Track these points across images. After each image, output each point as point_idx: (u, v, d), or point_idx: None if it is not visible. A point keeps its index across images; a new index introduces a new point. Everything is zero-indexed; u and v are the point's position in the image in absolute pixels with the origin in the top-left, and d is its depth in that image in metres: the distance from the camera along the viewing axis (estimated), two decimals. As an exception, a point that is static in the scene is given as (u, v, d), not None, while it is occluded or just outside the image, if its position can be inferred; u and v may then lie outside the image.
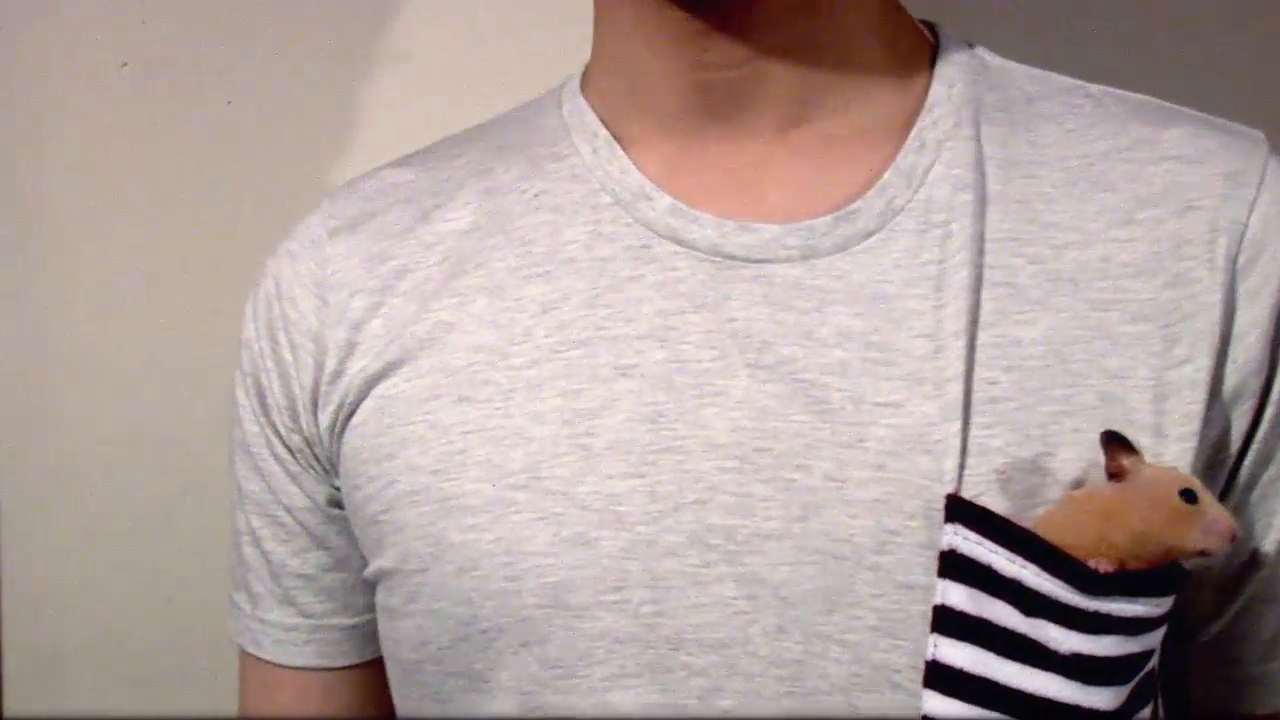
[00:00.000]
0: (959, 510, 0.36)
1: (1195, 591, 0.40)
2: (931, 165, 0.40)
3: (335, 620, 0.46)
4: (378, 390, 0.41)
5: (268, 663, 0.47)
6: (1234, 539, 0.35)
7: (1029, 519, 0.36)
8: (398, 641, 0.41)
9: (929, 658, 0.35)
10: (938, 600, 0.35)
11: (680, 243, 0.39)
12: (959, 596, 0.35)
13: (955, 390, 0.37)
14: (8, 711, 0.70)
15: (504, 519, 0.38)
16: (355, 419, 0.41)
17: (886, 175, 0.39)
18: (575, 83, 0.44)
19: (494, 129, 0.45)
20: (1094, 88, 0.42)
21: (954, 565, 0.35)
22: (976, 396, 0.37)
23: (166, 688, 0.70)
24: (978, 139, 0.40)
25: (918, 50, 0.42)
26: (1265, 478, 0.39)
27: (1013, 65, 0.43)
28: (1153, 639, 0.37)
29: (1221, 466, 0.39)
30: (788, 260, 0.39)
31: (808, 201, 0.39)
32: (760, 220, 0.39)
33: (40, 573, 0.70)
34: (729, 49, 0.39)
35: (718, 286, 0.39)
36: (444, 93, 0.67)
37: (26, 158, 0.68)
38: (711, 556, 0.37)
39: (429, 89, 0.67)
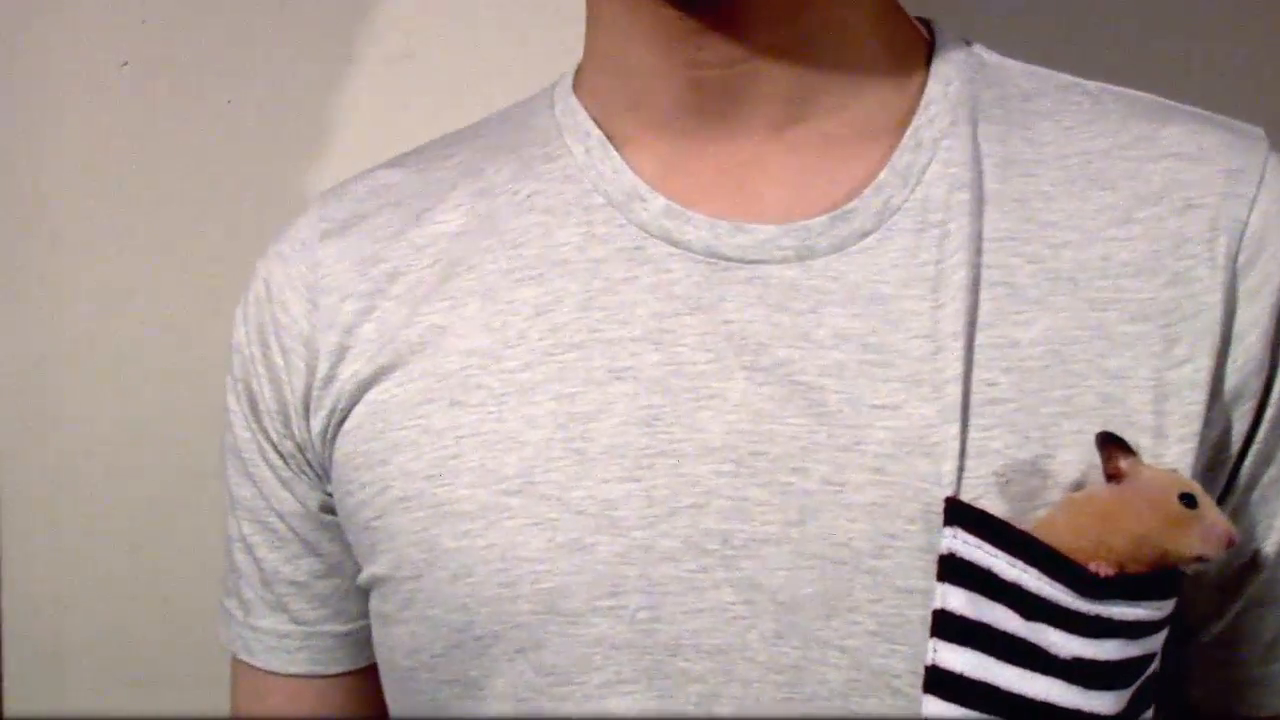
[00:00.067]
0: (958, 513, 0.35)
1: (1195, 592, 0.40)
2: (928, 164, 0.39)
3: (328, 627, 0.46)
4: (370, 395, 0.40)
5: (259, 670, 0.46)
6: (1231, 545, 0.35)
7: (1029, 522, 0.36)
8: (392, 648, 0.41)
9: (928, 662, 0.35)
10: (937, 604, 0.35)
11: (674, 244, 0.39)
12: (958, 600, 0.35)
13: (954, 392, 0.36)
14: (8, 711, 0.70)
15: (498, 524, 0.38)
16: (347, 424, 0.41)
17: (883, 174, 0.39)
18: (568, 82, 0.44)
19: (486, 129, 0.45)
20: (1092, 85, 0.42)
21: (953, 569, 0.35)
22: (975, 398, 0.36)
23: (166, 688, 0.70)
24: (975, 137, 0.39)
25: (914, 48, 0.42)
26: (1265, 479, 0.39)
27: (1010, 62, 0.42)
28: (1154, 642, 0.36)
29: (1221, 467, 0.39)
30: (783, 261, 0.38)
31: (803, 201, 0.39)
32: (755, 220, 0.39)
33: (40, 573, 0.70)
34: (723, 47, 0.38)
35: (713, 288, 0.38)
36: (444, 93, 0.67)
37: (26, 158, 0.68)
38: (708, 561, 0.36)
39: (429, 89, 0.67)
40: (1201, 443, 0.37)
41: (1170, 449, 0.37)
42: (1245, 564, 0.40)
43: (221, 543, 0.48)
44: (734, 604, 0.36)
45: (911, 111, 0.40)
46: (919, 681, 0.35)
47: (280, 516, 0.44)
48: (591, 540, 0.37)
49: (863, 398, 0.37)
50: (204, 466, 0.66)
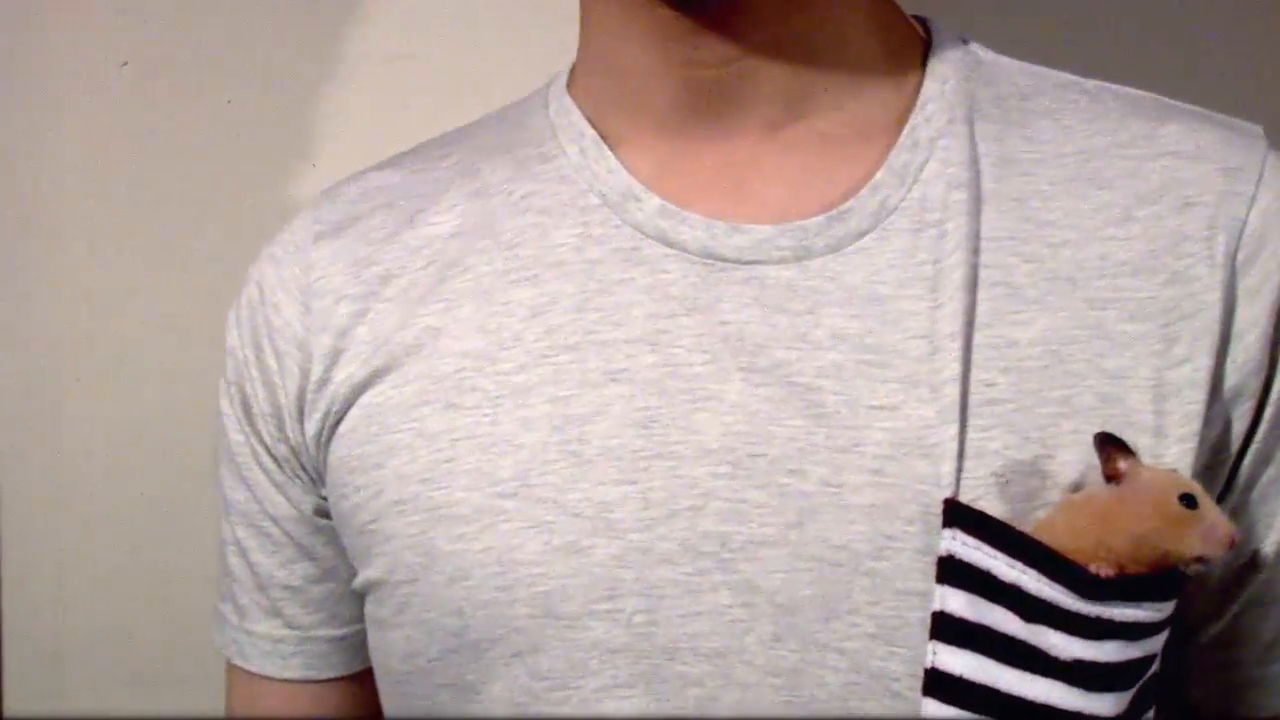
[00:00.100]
0: (957, 515, 0.35)
1: (1194, 593, 0.40)
2: (925, 163, 0.39)
3: (323, 632, 0.46)
4: (364, 398, 0.40)
5: (254, 674, 0.46)
6: (1232, 545, 0.34)
7: (1028, 523, 0.35)
8: (387, 653, 0.41)
9: (928, 665, 0.35)
10: (936, 606, 0.35)
11: (670, 244, 0.39)
12: (958, 602, 0.35)
13: (952, 392, 0.36)
14: (8, 711, 0.70)
15: (494, 528, 0.38)
16: (342, 427, 0.41)
17: (879, 174, 0.39)
18: (562, 81, 0.43)
19: (480, 130, 0.45)
20: (1090, 83, 0.42)
21: (952, 571, 0.35)
22: (973, 398, 0.36)
23: (166, 688, 0.70)
24: (972, 136, 0.39)
25: (910, 46, 0.42)
26: (1265, 478, 0.39)
27: (1007, 61, 0.42)
28: (1154, 644, 0.36)
29: (1220, 467, 0.39)
30: (780, 261, 0.38)
31: (800, 201, 0.39)
32: (751, 221, 0.39)
33: (40, 572, 0.70)
34: (718, 46, 0.38)
35: (709, 289, 0.38)
36: (444, 93, 0.67)
37: (26, 158, 0.68)
38: (705, 564, 0.36)
39: (429, 89, 0.67)
40: (1201, 442, 0.37)
41: (1170, 449, 0.36)
42: (1244, 565, 0.40)
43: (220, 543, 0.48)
44: (732, 607, 0.36)
45: (908, 110, 0.40)
46: (918, 684, 0.35)
47: (274, 521, 0.44)
48: (588, 543, 0.37)
49: (861, 399, 0.36)
50: (204, 466, 0.66)
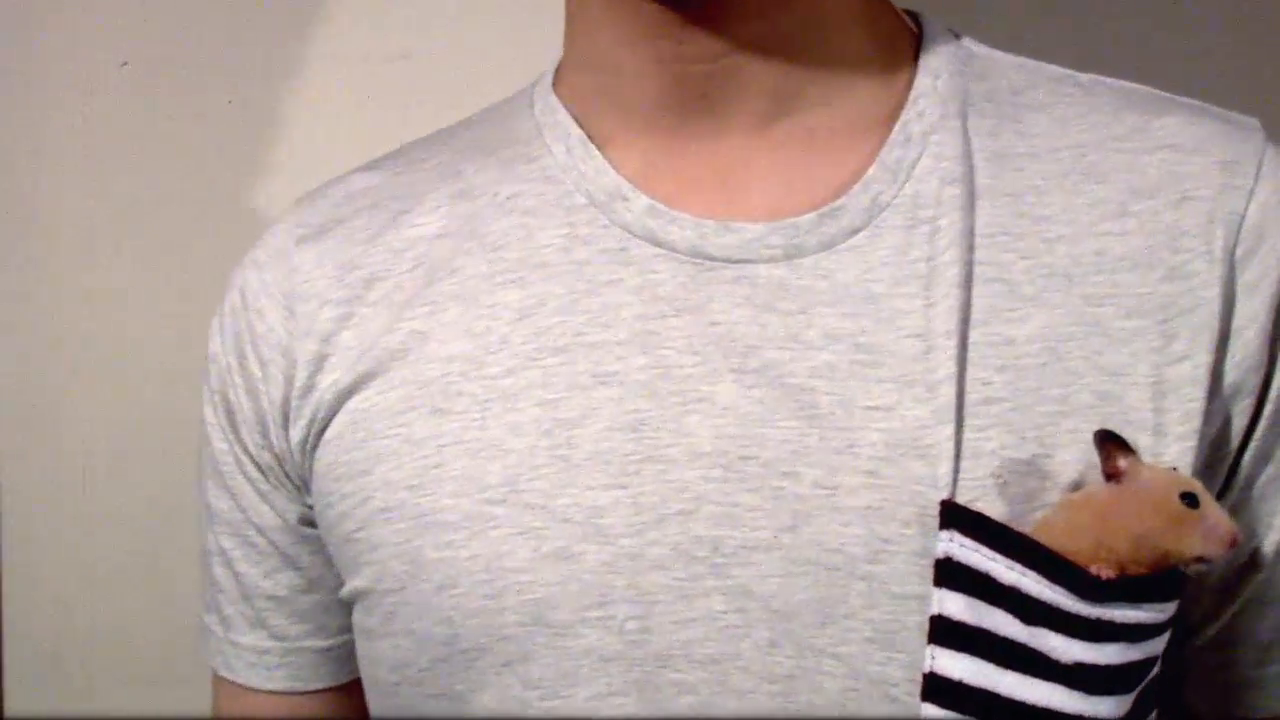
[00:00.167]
0: (954, 516, 0.34)
1: (1193, 593, 0.39)
2: (918, 159, 0.38)
3: (309, 643, 0.45)
4: (350, 404, 0.40)
5: (240, 686, 0.46)
6: (1234, 545, 0.34)
7: (1027, 523, 0.35)
8: (375, 663, 0.40)
9: (927, 670, 0.34)
10: (934, 610, 0.34)
11: (659, 244, 0.38)
12: (956, 606, 0.34)
13: (948, 392, 0.35)
14: (8, 711, 0.71)
15: (482, 534, 0.37)
16: (327, 434, 0.40)
17: (871, 170, 0.38)
18: (547, 80, 0.43)
19: (464, 130, 0.44)
20: (1084, 76, 0.41)
21: (950, 573, 0.34)
22: (970, 398, 0.36)
23: (166, 688, 0.70)
24: (965, 131, 0.39)
25: (901, 40, 0.41)
26: (1264, 477, 0.38)
27: (999, 55, 0.42)
28: (1156, 645, 0.36)
29: (1219, 465, 0.38)
30: (771, 260, 0.37)
31: (790, 198, 0.38)
32: (741, 219, 0.38)
33: (40, 572, 0.71)
34: (706, 41, 0.38)
35: (699, 289, 0.37)
36: (444, 93, 0.67)
37: (26, 158, 0.68)
38: (698, 569, 0.36)
39: (429, 89, 0.67)
40: (1201, 440, 0.36)
41: (1170, 447, 0.36)
42: (1243, 565, 0.39)
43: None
44: (726, 613, 0.36)
45: (900, 105, 0.39)
46: (917, 689, 0.34)
47: (259, 530, 0.44)
48: (578, 549, 0.36)
49: (855, 399, 0.36)
50: (204, 466, 0.66)
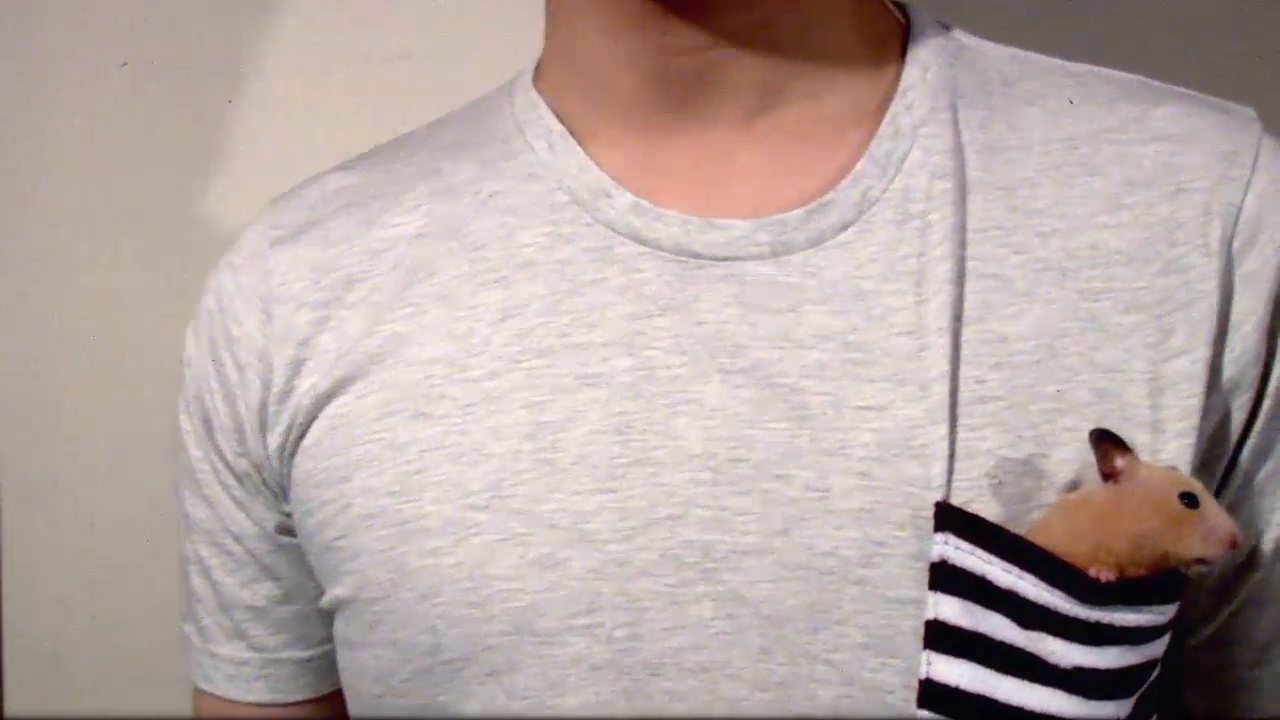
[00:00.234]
0: (949, 518, 0.34)
1: (1190, 594, 0.38)
2: (908, 152, 0.38)
3: (288, 654, 0.44)
4: (329, 409, 0.39)
5: (220, 698, 0.45)
6: (1235, 546, 0.33)
7: (1023, 525, 0.34)
8: (357, 674, 0.40)
9: (922, 676, 0.34)
10: (930, 615, 0.34)
11: (644, 242, 0.37)
12: (952, 610, 0.33)
13: (941, 390, 0.35)
14: (8, 711, 0.71)
15: (466, 541, 0.36)
16: (306, 440, 0.39)
17: (860, 164, 0.37)
18: (528, 76, 0.42)
19: (444, 128, 0.44)
20: (1076, 67, 0.40)
21: (946, 577, 0.34)
22: (963, 396, 0.35)
23: (166, 688, 0.70)
24: (955, 123, 0.38)
25: (889, 32, 0.40)
26: (1262, 473, 0.38)
27: (990, 46, 0.41)
28: (1156, 648, 0.35)
29: (1217, 461, 0.37)
30: (758, 257, 0.37)
31: (777, 194, 0.37)
32: (728, 215, 0.37)
33: (40, 572, 0.71)
34: (689, 34, 0.37)
35: (685, 288, 0.37)
36: (443, 93, 0.66)
37: (26, 158, 0.68)
38: (688, 575, 0.35)
39: (429, 89, 0.67)
40: (1199, 437, 0.36)
41: (1168, 444, 0.35)
42: (1240, 564, 0.39)
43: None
44: (716, 619, 0.35)
45: (889, 98, 0.39)
46: (913, 696, 0.34)
47: (236, 539, 0.43)
48: (564, 555, 0.35)
49: (846, 399, 0.35)
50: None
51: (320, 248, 0.41)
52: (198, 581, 0.45)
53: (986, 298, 0.36)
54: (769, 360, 0.36)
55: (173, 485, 0.59)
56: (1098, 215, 0.37)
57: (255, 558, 0.43)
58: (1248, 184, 0.37)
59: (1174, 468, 0.35)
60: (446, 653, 0.37)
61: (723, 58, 0.37)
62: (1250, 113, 0.39)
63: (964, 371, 0.35)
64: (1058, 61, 0.41)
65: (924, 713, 0.33)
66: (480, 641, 0.36)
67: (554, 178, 0.39)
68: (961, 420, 0.35)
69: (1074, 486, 0.35)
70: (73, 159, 0.68)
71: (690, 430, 0.36)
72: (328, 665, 0.43)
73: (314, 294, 0.40)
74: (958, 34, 0.41)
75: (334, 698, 0.44)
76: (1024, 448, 0.35)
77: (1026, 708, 0.33)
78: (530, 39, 0.64)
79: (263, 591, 0.43)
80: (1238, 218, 0.36)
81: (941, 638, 0.33)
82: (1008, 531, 0.34)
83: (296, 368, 0.40)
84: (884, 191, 0.37)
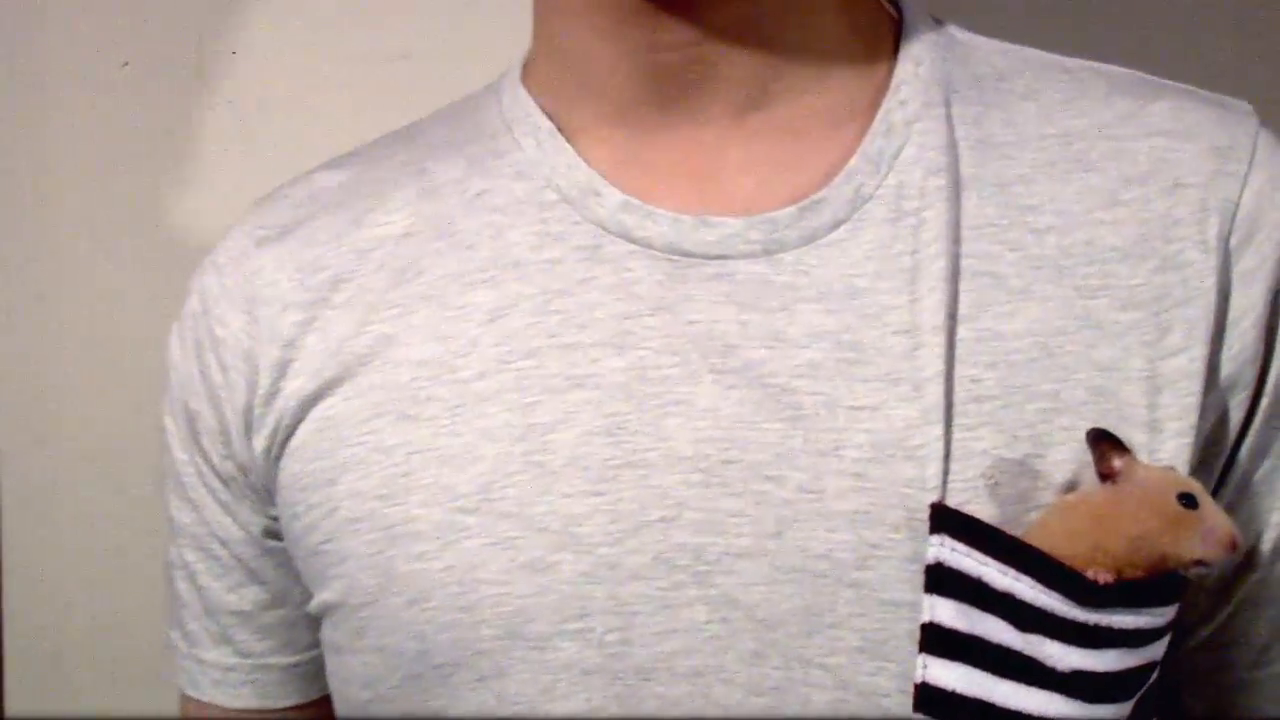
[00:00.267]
0: (945, 520, 0.33)
1: (1188, 595, 0.38)
2: (901, 149, 0.37)
3: (275, 659, 0.44)
4: (315, 411, 0.38)
5: (207, 704, 0.44)
6: (1234, 547, 0.33)
7: (1020, 526, 0.34)
8: (346, 680, 0.39)
9: (918, 680, 0.33)
10: (925, 618, 0.33)
11: (634, 241, 0.37)
12: (948, 613, 0.33)
13: (936, 390, 0.34)
14: (8, 711, 0.71)
15: (455, 545, 0.36)
16: (292, 443, 0.39)
17: (853, 161, 0.37)
18: (516, 72, 0.41)
19: (430, 126, 0.43)
20: (1071, 61, 0.40)
21: (941, 579, 0.33)
22: (959, 396, 0.34)
23: (166, 688, 0.70)
24: (949, 119, 0.37)
25: (881, 27, 0.40)
26: (1260, 473, 0.37)
27: (983, 40, 0.40)
28: (1156, 650, 0.34)
29: (1214, 460, 0.37)
30: (750, 256, 0.36)
31: (769, 191, 0.37)
32: (719, 213, 0.37)
33: (40, 572, 0.71)
34: (679, 29, 0.36)
35: (676, 287, 0.36)
36: (443, 93, 0.66)
37: (26, 158, 0.68)
38: (680, 578, 0.34)
39: (428, 89, 0.66)
40: (1197, 436, 0.35)
41: (1166, 444, 0.35)
42: (1238, 564, 0.38)
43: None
44: (709, 623, 0.34)
45: (881, 94, 0.38)
46: (909, 700, 0.33)
47: (222, 543, 0.42)
48: (555, 559, 0.35)
49: (840, 399, 0.35)
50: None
51: (306, 248, 0.40)
52: (183, 586, 0.44)
53: (981, 295, 0.35)
54: (761, 360, 0.35)
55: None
56: (1094, 211, 0.36)
57: (241, 562, 0.43)
58: (1245, 179, 0.36)
59: (1172, 468, 0.34)
60: (436, 658, 0.36)
61: (713, 53, 0.37)
62: (1247, 107, 0.38)
63: (959, 371, 0.35)
64: (1052, 56, 0.40)
65: (920, 717, 0.33)
66: (470, 646, 0.36)
67: (542, 176, 0.39)
68: (957, 420, 0.34)
69: (1071, 487, 0.34)
70: (73, 159, 0.68)
71: (682, 431, 0.35)
72: (315, 670, 0.43)
73: (300, 295, 0.39)
74: (951, 29, 0.40)
75: (322, 703, 0.43)
76: (1020, 448, 0.34)
77: (1024, 711, 0.33)
78: (530, 40, 0.64)
79: (249, 596, 0.43)
80: (1235, 213, 0.36)
81: (937, 641, 0.33)
82: (1004, 533, 0.33)
83: (282, 369, 0.39)
84: (877, 188, 0.37)
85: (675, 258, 0.37)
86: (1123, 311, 0.35)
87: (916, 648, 0.33)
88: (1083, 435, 0.34)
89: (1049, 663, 0.33)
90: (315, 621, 0.40)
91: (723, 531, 0.35)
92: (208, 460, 0.42)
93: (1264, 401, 0.37)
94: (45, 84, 0.68)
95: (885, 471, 0.34)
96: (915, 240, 0.36)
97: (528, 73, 0.41)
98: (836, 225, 0.36)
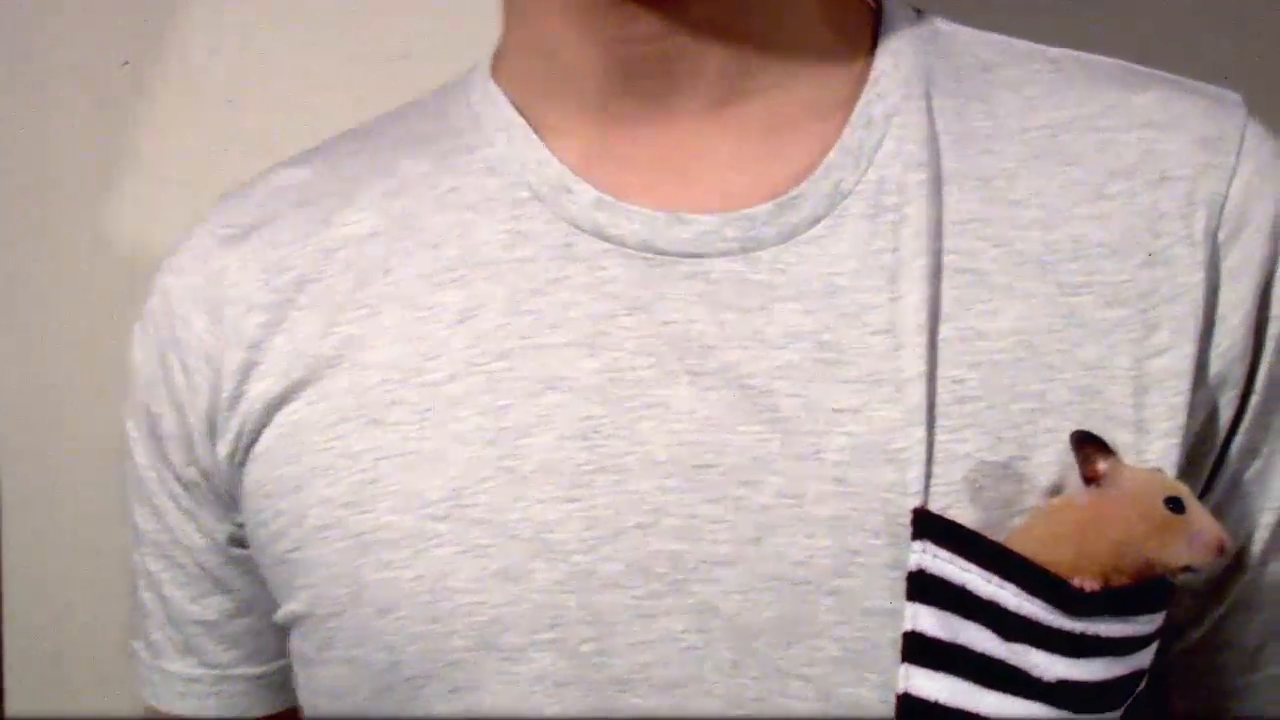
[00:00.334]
0: (927, 525, 0.33)
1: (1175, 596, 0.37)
2: (880, 143, 0.36)
3: (241, 670, 0.43)
4: (281, 415, 0.37)
5: (172, 716, 0.43)
6: (1222, 552, 0.32)
7: (1004, 531, 0.33)
8: (315, 692, 0.38)
9: (900, 690, 0.32)
10: (908, 626, 0.32)
11: (607, 239, 0.36)
12: (931, 621, 0.32)
13: (918, 391, 0.33)
14: (8, 711, 0.71)
15: (425, 553, 0.35)
16: (257, 448, 0.38)
17: (831, 155, 0.36)
18: (485, 66, 0.41)
19: (398, 120, 0.42)
20: (1054, 51, 0.39)
21: (924, 587, 0.32)
22: (941, 397, 0.34)
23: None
24: (930, 112, 0.37)
25: (860, 18, 0.39)
26: (1250, 473, 0.37)
27: (965, 30, 0.39)
28: (1144, 658, 0.34)
29: (1203, 460, 0.36)
30: (727, 254, 0.35)
31: (746, 187, 0.36)
32: (695, 210, 0.36)
33: (41, 573, 0.71)
34: (652, 20, 0.35)
35: (651, 286, 0.35)
36: (443, 93, 0.66)
37: (26, 158, 0.68)
38: (656, 587, 0.34)
39: (429, 89, 0.66)
40: (1185, 435, 0.34)
41: (1153, 445, 0.34)
42: (1228, 566, 0.37)
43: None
44: (686, 632, 0.34)
45: (860, 87, 0.37)
46: (891, 711, 0.32)
47: (187, 551, 0.41)
48: (528, 567, 0.34)
49: (819, 401, 0.34)
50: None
51: (271, 247, 0.39)
52: (147, 596, 0.43)
53: (964, 294, 0.35)
54: (738, 361, 0.34)
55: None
56: (1079, 206, 0.35)
57: (206, 571, 0.42)
58: (1233, 171, 0.35)
59: (1159, 470, 0.34)
60: (406, 670, 0.35)
61: (687, 46, 0.36)
62: (1235, 97, 0.37)
63: (941, 371, 0.34)
64: (1036, 46, 0.39)
65: None
66: (441, 658, 0.35)
67: (513, 172, 0.38)
68: (939, 422, 0.33)
69: (1056, 490, 0.34)
70: (73, 159, 0.68)
71: (658, 435, 0.34)
72: (282, 681, 0.42)
73: (265, 295, 0.39)
74: (933, 20, 0.39)
75: (289, 715, 0.43)
76: (1004, 450, 0.33)
77: None
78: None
79: (214, 605, 0.42)
80: (1223, 207, 0.35)
81: (920, 650, 0.32)
82: (987, 539, 0.33)
83: (247, 372, 0.38)
84: (856, 184, 0.36)
85: (650, 256, 0.36)
86: (1109, 309, 0.35)
87: (898, 657, 0.32)
88: (1067, 437, 0.33)
89: (1034, 672, 0.32)
90: (282, 631, 0.40)
91: (700, 538, 0.34)
92: (170, 466, 0.41)
93: (1253, 399, 0.36)
94: (45, 84, 0.68)
95: (866, 476, 0.33)
96: (896, 237, 0.35)
97: (498, 67, 0.40)
98: (815, 222, 0.36)
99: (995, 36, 0.39)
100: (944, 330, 0.34)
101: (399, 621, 0.35)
